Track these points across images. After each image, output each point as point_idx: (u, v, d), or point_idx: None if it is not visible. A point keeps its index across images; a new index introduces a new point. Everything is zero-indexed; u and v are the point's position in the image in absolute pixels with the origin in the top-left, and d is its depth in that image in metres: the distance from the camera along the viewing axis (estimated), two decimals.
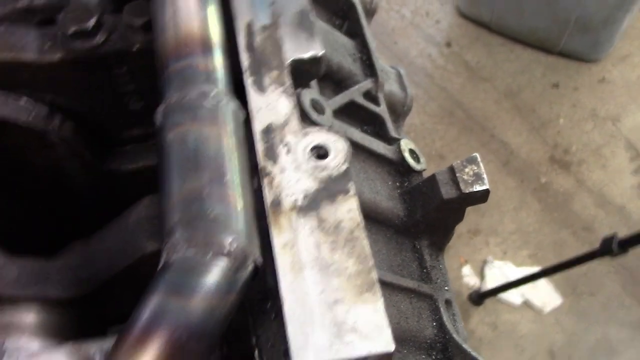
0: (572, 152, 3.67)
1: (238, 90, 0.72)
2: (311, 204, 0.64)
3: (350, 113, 1.15)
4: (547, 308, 3.24)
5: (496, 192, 3.52)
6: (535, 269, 3.14)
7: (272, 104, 0.71)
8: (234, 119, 0.66)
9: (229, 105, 0.66)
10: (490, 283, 3.27)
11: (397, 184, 1.13)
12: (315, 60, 0.77)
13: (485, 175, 1.06)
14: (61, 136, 0.84)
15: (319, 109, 0.99)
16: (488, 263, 3.37)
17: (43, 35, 0.82)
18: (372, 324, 0.57)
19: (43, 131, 0.82)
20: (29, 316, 0.73)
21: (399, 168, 1.14)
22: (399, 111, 1.30)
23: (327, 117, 0.99)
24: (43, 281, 0.74)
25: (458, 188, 1.04)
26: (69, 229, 0.86)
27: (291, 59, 0.76)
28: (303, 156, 0.67)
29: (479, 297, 3.23)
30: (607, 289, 3.27)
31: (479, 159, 1.07)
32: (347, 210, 0.63)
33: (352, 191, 0.65)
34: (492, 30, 4.06)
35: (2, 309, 0.72)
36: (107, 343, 0.61)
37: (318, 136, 0.68)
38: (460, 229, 3.51)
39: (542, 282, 3.25)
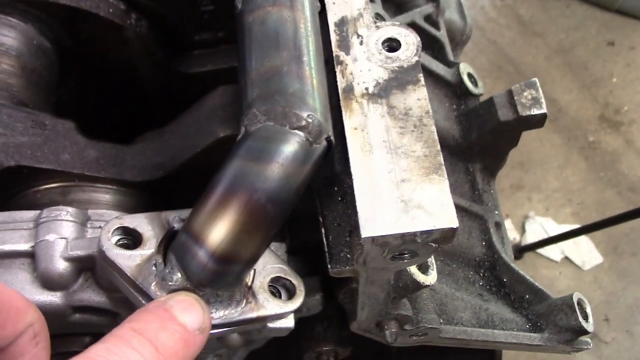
0: (623, 112, 3.60)
1: None
2: (382, 92, 0.66)
3: None
4: (587, 266, 3.23)
5: (542, 149, 3.49)
6: (576, 227, 3.12)
7: None
8: (310, 6, 0.68)
9: None
10: (531, 238, 3.27)
11: (454, 106, 1.14)
12: None
13: (543, 100, 1.07)
14: (137, 32, 0.87)
15: None
16: (529, 218, 3.36)
17: None
18: (438, 202, 0.60)
19: (120, 26, 0.85)
20: (106, 195, 0.77)
21: (456, 90, 1.15)
22: (457, 39, 1.31)
23: None
24: (119, 164, 0.78)
25: (515, 111, 1.05)
26: (141, 125, 0.90)
27: None
28: (375, 48, 0.69)
29: (519, 251, 3.23)
30: None
31: (537, 84, 1.08)
32: (416, 99, 0.65)
33: (422, 82, 0.67)
34: None
35: (83, 188, 0.76)
36: (185, 212, 0.64)
37: (390, 30, 0.70)
38: (503, 183, 3.50)
39: (583, 240, 3.24)
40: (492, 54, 3.82)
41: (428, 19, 1.19)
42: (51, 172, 0.75)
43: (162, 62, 0.93)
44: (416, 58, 0.68)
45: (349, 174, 0.62)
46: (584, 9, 3.91)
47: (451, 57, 1.18)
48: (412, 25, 1.14)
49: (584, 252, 3.28)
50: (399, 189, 0.60)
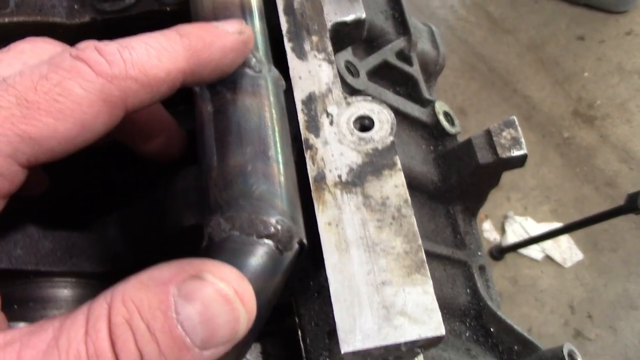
0: (596, 107, 3.60)
1: (276, 55, 0.69)
2: (356, 179, 0.61)
3: (383, 74, 1.11)
4: (568, 263, 3.23)
5: None
6: (556, 225, 3.12)
7: (313, 71, 0.68)
8: (275, 89, 0.62)
9: (270, 74, 0.63)
10: (511, 238, 3.27)
11: (431, 147, 1.10)
12: (357, 24, 0.73)
13: (523, 139, 1.03)
14: None
15: (354, 72, 0.96)
16: (509, 218, 3.36)
17: None
18: (422, 306, 0.55)
19: None
20: (65, 290, 0.72)
21: (432, 131, 1.11)
22: (431, 70, 1.26)
23: (362, 79, 0.96)
24: (78, 255, 0.72)
25: (495, 152, 1.01)
26: (99, 200, 0.84)
27: (333, 22, 0.72)
28: (347, 128, 0.64)
29: (500, 252, 3.23)
30: (628, 245, 3.25)
31: (516, 122, 1.04)
32: (393, 186, 0.61)
33: (398, 165, 0.62)
34: None
35: (39, 284, 0.71)
36: None
37: (362, 106, 0.65)
38: None
39: (563, 238, 3.24)
40: (464, 53, 3.80)
41: (400, 54, 1.14)
42: (4, 271, 0.69)
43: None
44: (391, 138, 0.63)
45: (324, 266, 0.58)
46: (553, 5, 3.90)
47: (426, 94, 1.14)
48: (385, 65, 1.10)
49: (565, 249, 3.28)
50: (379, 293, 0.56)
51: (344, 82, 0.91)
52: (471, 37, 3.83)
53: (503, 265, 3.27)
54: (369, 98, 0.65)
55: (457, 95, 3.64)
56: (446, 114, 1.11)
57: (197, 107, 0.62)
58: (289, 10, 0.72)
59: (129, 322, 0.45)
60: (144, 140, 0.72)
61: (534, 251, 3.28)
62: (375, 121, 0.64)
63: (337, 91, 0.66)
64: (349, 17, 0.73)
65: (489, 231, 3.34)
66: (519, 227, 3.33)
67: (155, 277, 0.48)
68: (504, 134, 1.02)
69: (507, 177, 3.45)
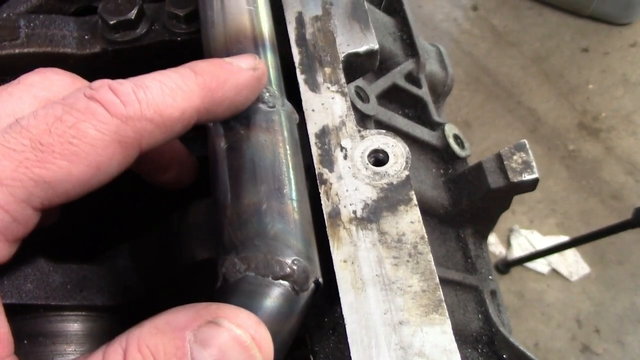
0: (601, 119, 3.59)
1: (288, 85, 0.68)
2: (371, 215, 0.60)
3: (392, 97, 1.11)
4: (575, 277, 3.21)
5: None
6: (562, 238, 3.11)
7: (326, 104, 0.67)
8: (289, 123, 0.61)
9: (284, 109, 0.62)
10: (517, 252, 3.25)
11: (441, 171, 1.09)
12: (370, 54, 0.72)
13: (534, 163, 1.02)
14: None
15: (364, 97, 0.95)
16: (514, 232, 3.34)
17: (82, 26, 0.78)
18: (440, 347, 0.54)
19: None
20: (75, 324, 0.71)
21: (442, 155, 1.10)
22: (439, 91, 1.25)
23: (372, 104, 0.95)
24: (88, 288, 0.71)
25: (506, 177, 1.00)
26: (109, 230, 0.84)
27: (345, 53, 0.71)
28: (361, 162, 0.63)
29: (505, 266, 3.21)
30: (635, 258, 3.24)
31: (527, 146, 1.03)
32: (409, 222, 0.60)
33: (414, 200, 0.61)
34: None
35: (48, 318, 0.70)
36: None
37: (376, 140, 0.64)
38: None
39: (570, 251, 3.23)
40: (468, 65, 3.79)
41: (409, 77, 1.14)
42: (14, 306, 0.68)
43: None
44: (406, 172, 0.62)
45: (339, 303, 0.57)
46: (557, 16, 3.90)
47: (435, 117, 1.13)
48: (394, 88, 1.09)
49: (571, 262, 3.26)
50: (397, 333, 0.55)
51: (354, 108, 0.90)
52: (475, 50, 3.83)
53: (509, 279, 3.26)
54: (383, 132, 0.65)
55: (461, 108, 3.63)
56: (456, 137, 1.10)
57: (210, 142, 0.61)
58: (301, 41, 0.72)
59: None
60: (158, 172, 0.72)
61: (540, 265, 3.26)
62: (389, 155, 0.63)
63: (351, 124, 0.66)
64: (362, 48, 0.72)
65: (494, 245, 3.33)
66: (525, 241, 3.32)
67: (171, 322, 0.47)
68: (515, 157, 1.01)
69: None
